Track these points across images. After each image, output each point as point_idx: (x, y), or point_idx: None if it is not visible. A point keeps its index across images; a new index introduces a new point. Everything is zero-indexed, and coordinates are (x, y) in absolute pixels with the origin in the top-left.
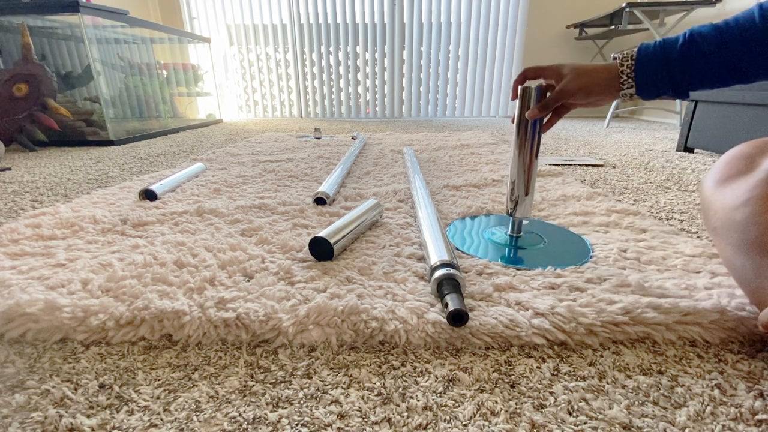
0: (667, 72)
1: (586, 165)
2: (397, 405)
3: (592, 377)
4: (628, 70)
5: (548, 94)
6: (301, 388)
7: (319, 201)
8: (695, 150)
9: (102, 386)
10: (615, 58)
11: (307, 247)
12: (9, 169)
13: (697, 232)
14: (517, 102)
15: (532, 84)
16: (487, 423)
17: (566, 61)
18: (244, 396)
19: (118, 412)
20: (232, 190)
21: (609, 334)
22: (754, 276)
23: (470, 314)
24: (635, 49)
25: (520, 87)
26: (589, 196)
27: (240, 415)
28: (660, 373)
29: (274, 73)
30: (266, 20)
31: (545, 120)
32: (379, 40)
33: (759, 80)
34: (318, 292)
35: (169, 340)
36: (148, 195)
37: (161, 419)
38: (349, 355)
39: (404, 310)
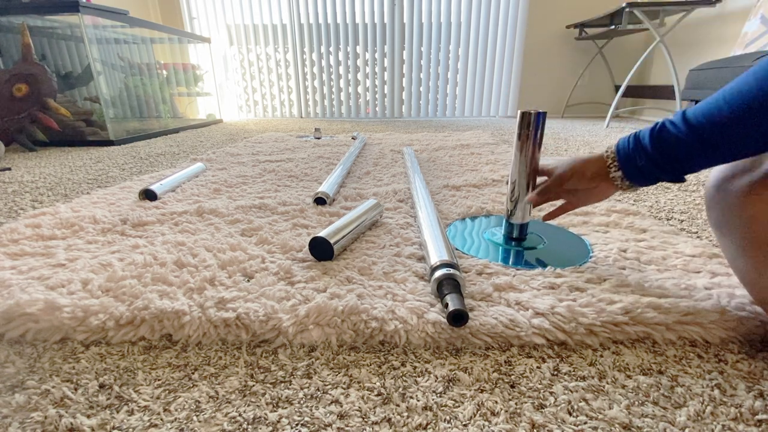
0: (648, 162)
1: None
2: (397, 405)
3: (592, 377)
4: (613, 155)
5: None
6: (301, 388)
7: (319, 201)
8: None
9: (102, 386)
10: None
11: (307, 247)
12: (9, 169)
13: (697, 232)
14: (516, 123)
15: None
16: (487, 423)
17: (565, 59)
18: (244, 396)
19: (118, 412)
20: (232, 190)
21: (609, 334)
22: (757, 274)
23: (470, 314)
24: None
25: (519, 111)
26: None
27: (240, 415)
28: (660, 373)
29: (274, 73)
30: (266, 20)
31: (554, 207)
32: (379, 40)
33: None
34: (318, 292)
35: (169, 340)
36: (148, 195)
37: (161, 419)
38: (349, 355)
39: (404, 310)
